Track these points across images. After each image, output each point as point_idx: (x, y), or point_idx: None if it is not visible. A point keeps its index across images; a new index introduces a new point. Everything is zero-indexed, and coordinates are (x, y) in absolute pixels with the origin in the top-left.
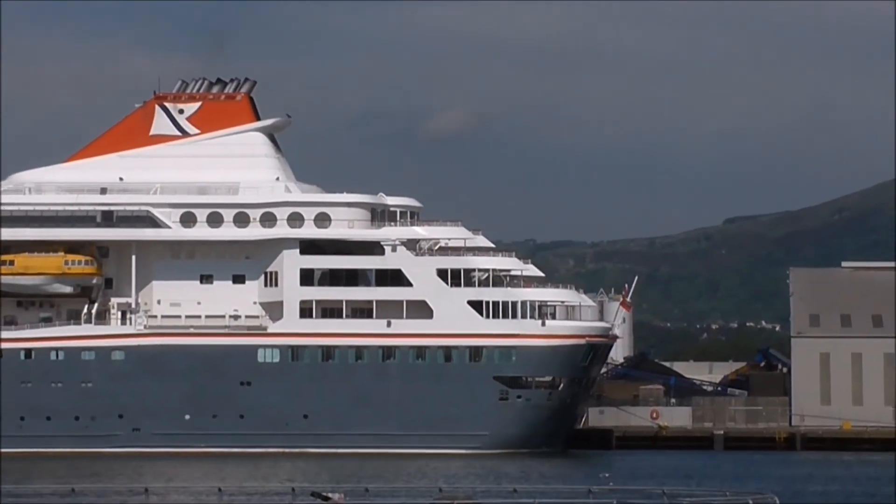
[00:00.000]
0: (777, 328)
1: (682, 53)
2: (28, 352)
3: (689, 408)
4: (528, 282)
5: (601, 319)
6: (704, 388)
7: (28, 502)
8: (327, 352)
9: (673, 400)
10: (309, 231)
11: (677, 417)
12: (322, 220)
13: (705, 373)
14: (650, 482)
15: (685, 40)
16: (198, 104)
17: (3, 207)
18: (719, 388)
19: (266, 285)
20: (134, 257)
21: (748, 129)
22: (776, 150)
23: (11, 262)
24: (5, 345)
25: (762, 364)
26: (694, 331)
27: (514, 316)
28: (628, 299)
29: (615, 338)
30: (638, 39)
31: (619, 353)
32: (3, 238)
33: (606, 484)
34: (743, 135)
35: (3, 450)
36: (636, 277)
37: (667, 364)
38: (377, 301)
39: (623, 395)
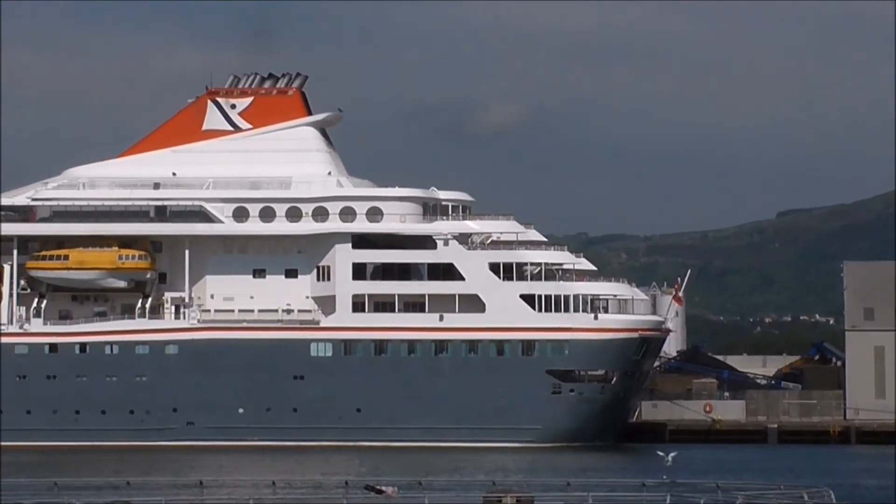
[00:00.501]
0: (831, 321)
1: (735, 44)
2: (83, 346)
3: (742, 401)
4: (581, 276)
5: (654, 313)
6: (758, 381)
7: (84, 495)
8: (380, 346)
9: (726, 394)
10: (361, 225)
11: (731, 411)
12: (374, 214)
13: (759, 366)
14: (704, 476)
15: (738, 31)
16: (250, 99)
17: (57, 202)
18: (773, 382)
19: (318, 279)
20: (187, 252)
21: (801, 122)
22: (829, 143)
23: (66, 257)
24: (61, 339)
25: (816, 357)
26: (747, 324)
27: (567, 310)
28: (681, 293)
29: (668, 331)
30: (690, 31)
31: (672, 346)
32: (57, 233)
33: (665, 465)
34: (796, 127)
35: (59, 443)
36: (689, 271)
37: (720, 358)
38: (429, 295)
39: (676, 389)
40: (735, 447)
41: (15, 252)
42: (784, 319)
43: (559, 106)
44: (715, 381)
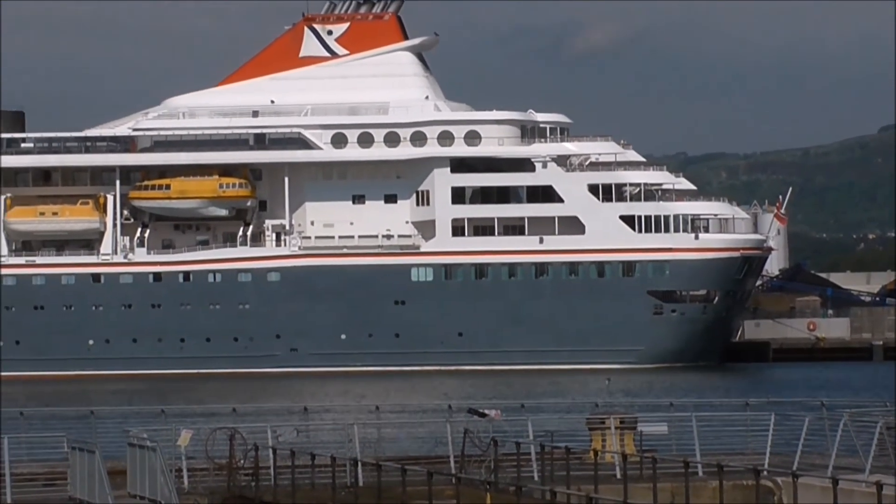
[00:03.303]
0: None
1: None
2: (186, 275)
3: (846, 319)
4: (681, 195)
5: (755, 232)
6: (862, 298)
7: (191, 422)
8: (480, 269)
9: (830, 311)
10: (459, 149)
11: (835, 329)
12: (472, 137)
13: (863, 283)
14: (808, 394)
15: None
16: (346, 25)
17: (158, 132)
18: (877, 299)
19: (418, 204)
20: (286, 179)
21: None
22: None
23: (167, 187)
24: (164, 268)
25: None
26: (850, 241)
27: (667, 230)
28: (782, 211)
29: (770, 250)
30: None
31: (774, 265)
32: (158, 163)
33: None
34: None
35: (164, 371)
36: (790, 188)
37: (823, 275)
38: (529, 218)
39: (779, 308)
40: (839, 365)
41: (117, 182)
42: (888, 235)
43: (658, 26)
44: (818, 299)
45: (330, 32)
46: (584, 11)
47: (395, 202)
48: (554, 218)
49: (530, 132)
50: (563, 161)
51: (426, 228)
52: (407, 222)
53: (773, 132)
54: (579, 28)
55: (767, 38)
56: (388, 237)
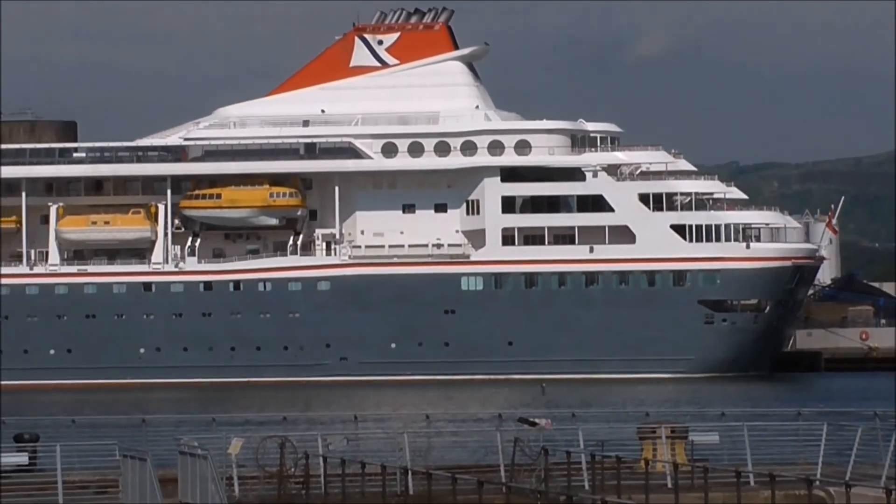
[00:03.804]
0: None
1: None
2: (237, 284)
3: None
4: (732, 205)
5: (807, 241)
6: None
7: (241, 430)
8: (530, 278)
9: (882, 321)
10: (509, 158)
11: (887, 338)
12: (522, 147)
13: None
14: (860, 404)
15: None
16: (396, 35)
17: (209, 142)
18: None
19: (468, 213)
20: (337, 188)
21: None
22: None
23: (218, 196)
24: (215, 277)
25: None
26: None
27: (718, 239)
28: (835, 220)
29: (822, 259)
30: None
31: (826, 274)
32: (209, 172)
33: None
34: None
35: (215, 379)
36: (842, 197)
37: (875, 284)
38: (579, 227)
39: (831, 317)
40: (892, 375)
41: (168, 192)
42: None
43: (711, 35)
44: (871, 309)
45: (380, 42)
46: (638, 20)
47: (446, 211)
48: (604, 227)
49: (581, 141)
50: (613, 170)
51: (476, 237)
52: (457, 231)
53: (826, 141)
54: (632, 37)
55: (819, 46)
56: (438, 246)
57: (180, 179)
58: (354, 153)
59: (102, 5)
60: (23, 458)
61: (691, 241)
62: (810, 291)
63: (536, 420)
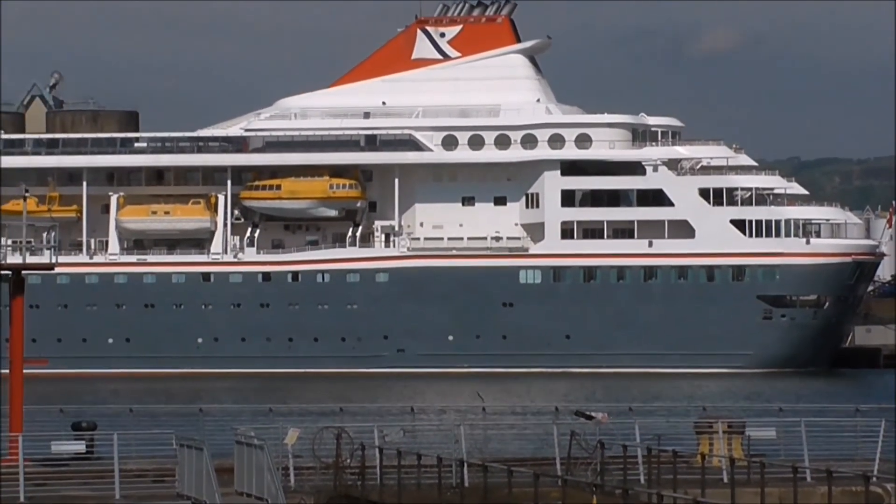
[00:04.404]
0: None
1: None
2: (295, 275)
3: None
4: (792, 200)
5: (868, 237)
6: None
7: (298, 421)
8: (589, 272)
9: None
10: (570, 152)
11: None
12: (583, 140)
13: None
14: None
15: None
16: (459, 27)
17: (270, 133)
18: None
19: (527, 207)
20: (397, 180)
21: None
22: None
23: (278, 187)
24: (274, 268)
25: None
26: None
27: (778, 234)
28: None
29: (882, 255)
30: None
31: (886, 270)
32: (270, 163)
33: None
34: None
35: (273, 370)
36: None
37: None
38: (638, 221)
39: (891, 313)
40: None
41: (229, 182)
42: None
43: (774, 29)
44: None
45: (443, 35)
46: (700, 16)
47: (505, 204)
48: (664, 221)
49: (641, 135)
50: (674, 165)
51: (535, 231)
52: (516, 224)
53: (888, 137)
54: (695, 32)
55: (883, 41)
56: (497, 239)
57: (241, 170)
58: (415, 145)
59: None
60: (80, 447)
61: (751, 236)
62: (870, 287)
63: (593, 413)
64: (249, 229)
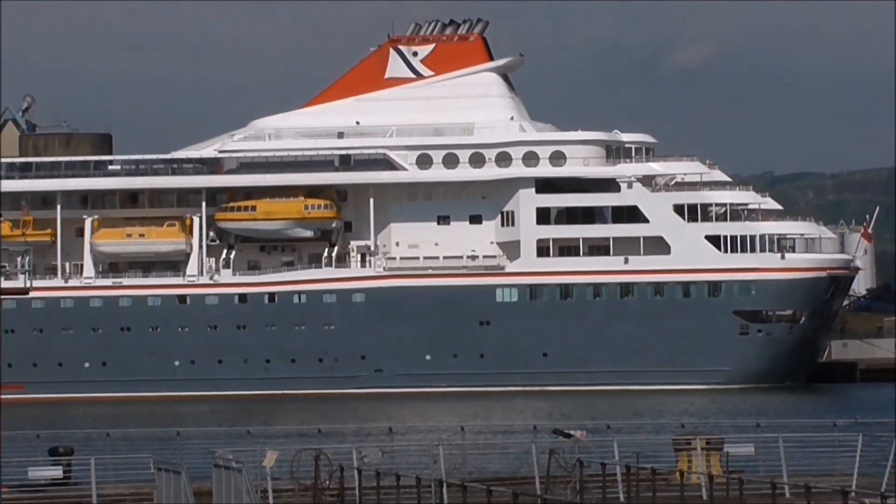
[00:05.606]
0: None
1: None
2: (272, 296)
3: None
4: (767, 215)
5: (842, 251)
6: None
7: (276, 443)
8: (565, 290)
9: None
10: (544, 170)
11: None
12: (557, 158)
13: None
14: None
15: None
16: (431, 46)
17: (244, 154)
18: None
19: (503, 225)
20: (372, 200)
21: None
22: None
23: (253, 208)
24: (250, 289)
25: None
26: None
27: (753, 250)
28: (870, 230)
29: (857, 269)
30: None
31: (861, 284)
32: (244, 184)
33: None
34: None
35: (249, 392)
36: (878, 208)
37: None
38: (614, 238)
39: (867, 328)
40: None
41: (203, 204)
42: None
43: (748, 45)
44: None
45: (415, 54)
46: (671, 32)
47: (480, 223)
48: (639, 238)
49: (615, 152)
50: (648, 181)
51: (511, 249)
52: (492, 243)
53: (861, 151)
54: (667, 48)
55: (854, 55)
56: (473, 258)
57: (215, 192)
58: (389, 165)
59: (137, 17)
60: (57, 472)
61: (726, 251)
62: (845, 302)
63: (571, 431)
64: (225, 251)
